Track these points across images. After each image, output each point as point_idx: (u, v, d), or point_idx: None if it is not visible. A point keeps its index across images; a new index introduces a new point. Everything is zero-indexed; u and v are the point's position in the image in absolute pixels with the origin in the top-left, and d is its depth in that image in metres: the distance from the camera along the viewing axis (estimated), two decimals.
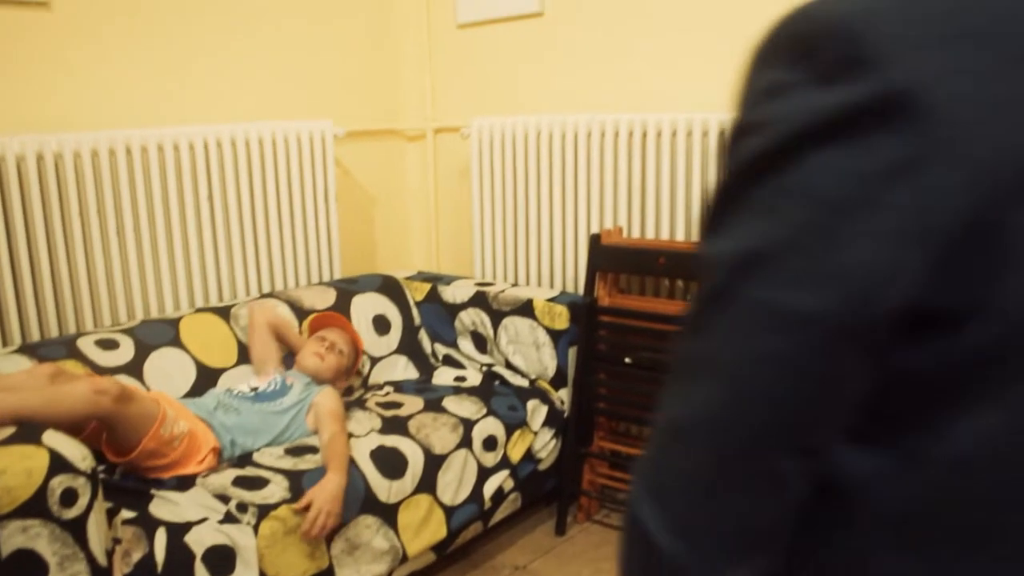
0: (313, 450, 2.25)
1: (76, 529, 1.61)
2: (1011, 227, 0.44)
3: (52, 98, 2.54)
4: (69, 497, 1.59)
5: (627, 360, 2.65)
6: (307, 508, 2.00)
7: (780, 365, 0.49)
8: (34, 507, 1.55)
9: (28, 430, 1.66)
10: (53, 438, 1.63)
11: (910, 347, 0.48)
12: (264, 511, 1.95)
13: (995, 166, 0.44)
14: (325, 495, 2.01)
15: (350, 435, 2.32)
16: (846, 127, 0.45)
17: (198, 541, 1.85)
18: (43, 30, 2.50)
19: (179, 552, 1.81)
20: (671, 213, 2.78)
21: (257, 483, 2.05)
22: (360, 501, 2.14)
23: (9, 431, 1.64)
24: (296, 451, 2.25)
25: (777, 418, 0.50)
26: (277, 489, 2.04)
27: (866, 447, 0.51)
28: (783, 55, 0.48)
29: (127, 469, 2.06)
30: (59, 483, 1.58)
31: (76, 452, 1.62)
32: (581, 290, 3.00)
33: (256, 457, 2.22)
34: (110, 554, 1.70)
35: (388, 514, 2.20)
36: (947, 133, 0.44)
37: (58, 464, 1.58)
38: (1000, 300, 0.45)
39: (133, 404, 1.93)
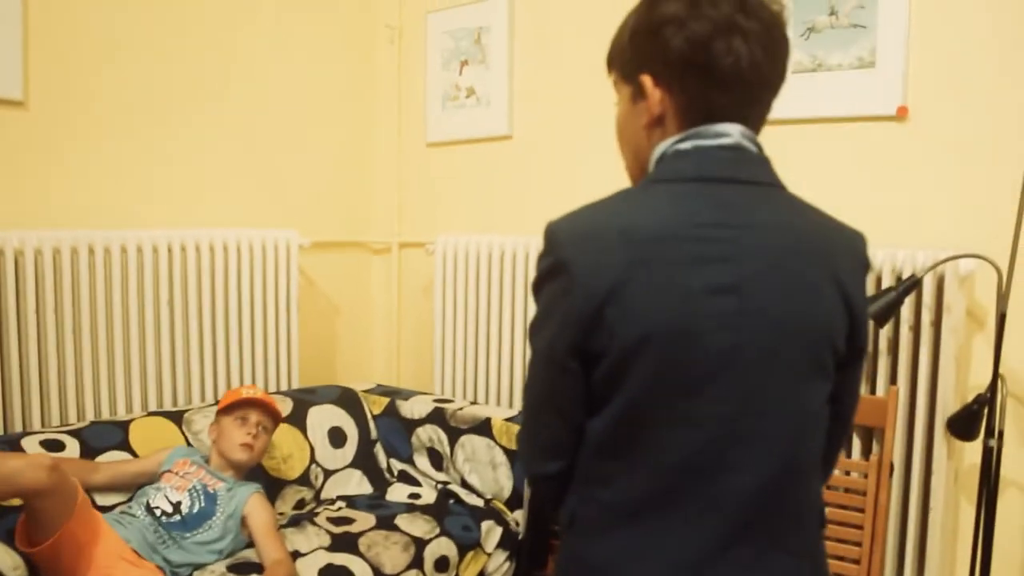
0: (256, 567, 2.17)
1: None
2: (607, 315, 0.99)
3: (18, 196, 2.53)
4: None
5: None
6: None
7: (539, 375, 1.08)
8: None
9: None
10: None
11: (592, 369, 1.03)
12: None
13: (594, 291, 0.99)
14: None
15: (296, 553, 2.25)
16: (548, 275, 1.04)
17: None
18: (17, 128, 2.51)
19: None
20: None
21: None
22: None
23: None
24: (239, 568, 2.17)
25: (544, 399, 1.08)
26: None
27: (592, 413, 1.06)
28: (543, 242, 1.06)
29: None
30: None
31: (7, 560, 1.56)
32: None
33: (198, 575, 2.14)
34: None
35: None
36: (576, 279, 1.00)
37: None
38: (611, 346, 1.00)
39: (61, 480, 1.84)
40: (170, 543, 2.13)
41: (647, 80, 1.07)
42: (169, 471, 2.30)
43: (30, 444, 2.23)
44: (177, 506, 2.19)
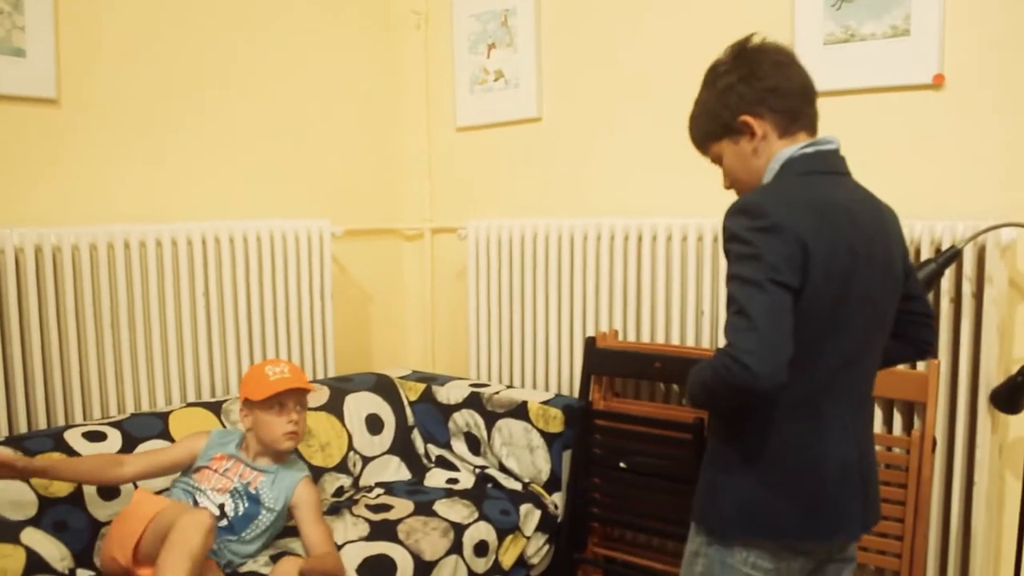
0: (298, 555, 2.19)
1: None
2: (809, 261, 1.37)
3: (54, 192, 2.56)
4: None
5: (622, 465, 2.61)
6: None
7: (775, 300, 1.34)
8: None
9: (5, 527, 1.62)
10: (31, 536, 1.59)
11: (795, 302, 1.37)
12: None
13: (802, 243, 1.36)
14: None
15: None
16: (765, 231, 1.36)
17: None
18: (50, 126, 2.54)
19: None
20: (666, 317, 2.77)
21: None
22: None
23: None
24: (280, 558, 2.19)
25: (784, 320, 1.34)
26: None
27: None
28: (738, 213, 1.40)
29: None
30: None
31: (55, 552, 1.58)
32: (576, 393, 2.98)
33: (241, 567, 2.16)
34: None
35: None
36: (791, 235, 1.36)
37: (35, 564, 1.54)
38: (809, 284, 1.38)
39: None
40: (223, 548, 2.11)
41: (748, 119, 1.51)
42: (206, 467, 2.24)
43: (73, 437, 2.26)
44: (221, 509, 2.15)
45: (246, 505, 2.18)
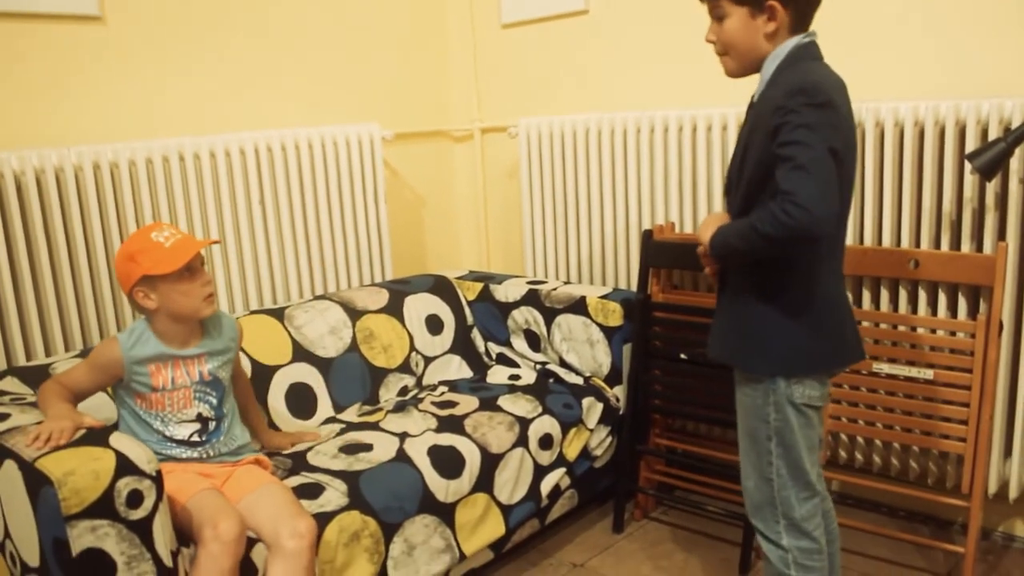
0: (367, 448, 2.26)
1: (142, 530, 1.63)
2: (845, 134, 1.59)
3: (105, 109, 2.57)
4: (135, 498, 1.61)
5: (682, 356, 2.62)
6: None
7: (828, 162, 1.51)
8: (102, 508, 1.57)
9: (96, 432, 1.68)
10: (120, 440, 1.65)
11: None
12: (323, 520, 1.96)
13: (844, 117, 1.60)
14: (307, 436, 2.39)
15: (405, 434, 2.35)
16: (823, 107, 1.54)
17: (260, 549, 1.86)
18: (98, 44, 2.54)
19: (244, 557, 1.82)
20: (723, 207, 2.74)
21: (314, 490, 2.07)
22: (419, 501, 2.14)
23: (79, 433, 1.67)
24: (351, 449, 2.26)
25: (834, 181, 1.52)
26: (334, 495, 2.06)
27: None
28: (797, 92, 1.54)
29: None
30: (125, 484, 1.60)
31: (142, 454, 1.64)
32: (634, 287, 2.98)
33: (311, 458, 2.24)
34: (175, 555, 1.72)
35: (445, 513, 2.20)
36: (839, 110, 1.58)
37: (124, 466, 1.60)
38: (845, 149, 1.58)
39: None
40: (245, 443, 2.12)
41: (776, 3, 1.62)
42: (151, 393, 1.96)
43: None
44: (200, 417, 2.01)
45: (214, 393, 2.04)
